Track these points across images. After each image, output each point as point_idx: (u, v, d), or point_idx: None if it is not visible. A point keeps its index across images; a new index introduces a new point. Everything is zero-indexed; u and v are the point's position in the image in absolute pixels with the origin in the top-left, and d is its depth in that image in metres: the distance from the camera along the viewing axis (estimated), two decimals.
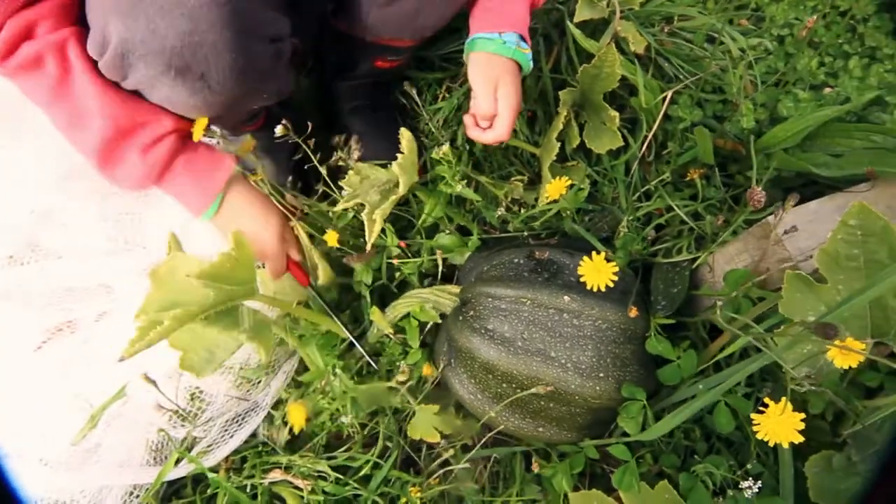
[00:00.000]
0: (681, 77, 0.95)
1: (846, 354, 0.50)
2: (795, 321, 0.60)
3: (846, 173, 0.71)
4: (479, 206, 0.93)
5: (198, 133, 0.77)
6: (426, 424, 0.82)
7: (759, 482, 0.59)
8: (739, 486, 0.59)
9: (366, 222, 0.80)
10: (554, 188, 0.79)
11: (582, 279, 0.67)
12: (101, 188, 0.96)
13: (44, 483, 0.79)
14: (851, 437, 0.63)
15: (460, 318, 0.80)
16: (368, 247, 0.82)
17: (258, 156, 0.91)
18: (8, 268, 0.93)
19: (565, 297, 0.76)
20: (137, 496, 0.80)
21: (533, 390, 0.73)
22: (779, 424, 0.51)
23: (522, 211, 0.94)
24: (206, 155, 0.77)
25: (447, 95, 1.07)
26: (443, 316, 0.86)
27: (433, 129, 1.02)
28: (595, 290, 0.66)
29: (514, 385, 0.76)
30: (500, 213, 0.93)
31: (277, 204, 0.82)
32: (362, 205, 0.81)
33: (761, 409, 0.52)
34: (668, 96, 0.86)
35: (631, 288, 0.81)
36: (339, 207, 0.84)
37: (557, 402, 0.76)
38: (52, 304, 0.91)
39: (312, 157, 0.80)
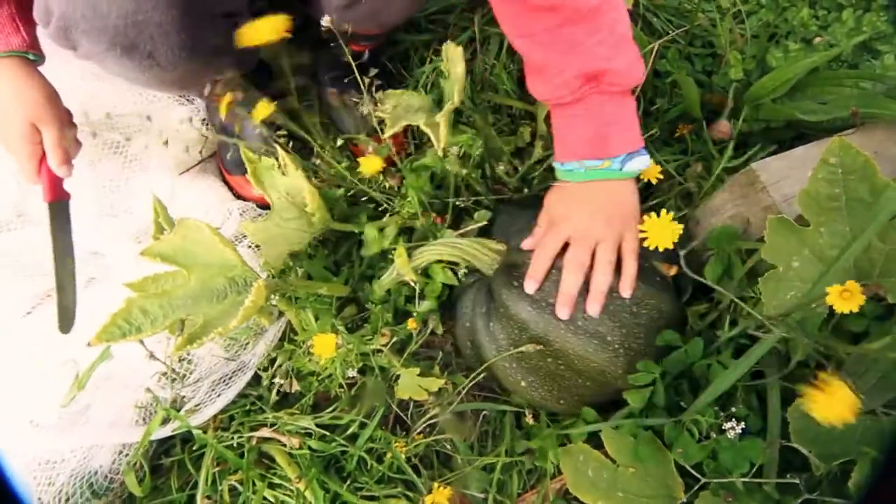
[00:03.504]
0: (669, 31, 0.94)
1: (846, 299, 0.49)
2: (779, 267, 0.59)
3: (832, 117, 0.69)
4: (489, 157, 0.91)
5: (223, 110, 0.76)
6: (412, 385, 0.82)
7: (742, 424, 0.59)
8: (723, 429, 0.59)
9: (429, 131, 0.78)
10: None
11: (643, 236, 0.66)
12: (88, 155, 0.96)
13: (34, 444, 0.80)
14: None
15: (515, 282, 0.74)
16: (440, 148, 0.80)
17: (241, 115, 0.91)
18: None
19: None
20: (126, 455, 0.80)
21: (578, 379, 0.72)
22: (835, 402, 0.49)
23: (519, 167, 0.93)
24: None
25: (434, 58, 1.06)
26: (474, 271, 0.81)
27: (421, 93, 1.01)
28: (660, 249, 0.65)
29: (559, 362, 0.73)
30: (500, 168, 0.91)
31: (49, 109, 0.75)
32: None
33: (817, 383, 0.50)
34: (656, 49, 0.85)
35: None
36: (388, 134, 0.81)
37: (594, 383, 0.74)
38: (41, 270, 0.91)
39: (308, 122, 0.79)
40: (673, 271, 0.71)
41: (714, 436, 0.61)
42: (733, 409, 0.62)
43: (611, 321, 0.71)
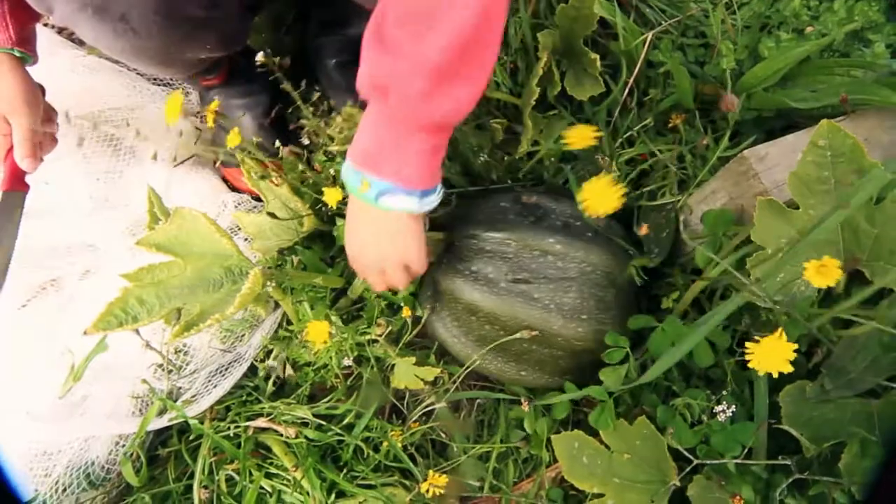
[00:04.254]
0: (662, 22, 0.94)
1: (823, 273, 0.50)
2: (768, 249, 0.60)
3: (823, 105, 0.70)
4: (465, 151, 0.92)
5: (172, 113, 0.77)
6: (408, 374, 0.82)
7: (734, 407, 0.59)
8: (714, 412, 0.60)
9: None
10: (576, 136, 0.73)
11: (583, 205, 0.65)
12: (84, 147, 0.96)
13: (31, 435, 0.81)
14: (826, 366, 0.63)
15: (445, 261, 0.80)
16: None
17: (233, 107, 0.91)
18: None
19: (550, 239, 0.76)
20: (123, 445, 0.81)
21: (518, 335, 0.74)
22: (770, 354, 0.51)
23: (506, 158, 0.94)
24: None
25: None
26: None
27: None
28: (596, 217, 0.64)
29: (497, 327, 0.76)
30: (482, 158, 0.92)
31: (23, 104, 0.76)
32: None
33: (755, 339, 0.51)
34: (649, 39, 0.85)
35: (616, 234, 0.81)
36: (334, 147, 0.82)
37: (540, 345, 0.77)
38: (37, 262, 0.91)
39: (297, 96, 0.79)
40: (644, 230, 0.73)
41: (705, 419, 0.62)
42: (724, 393, 0.62)
43: (535, 278, 0.74)
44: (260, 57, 0.77)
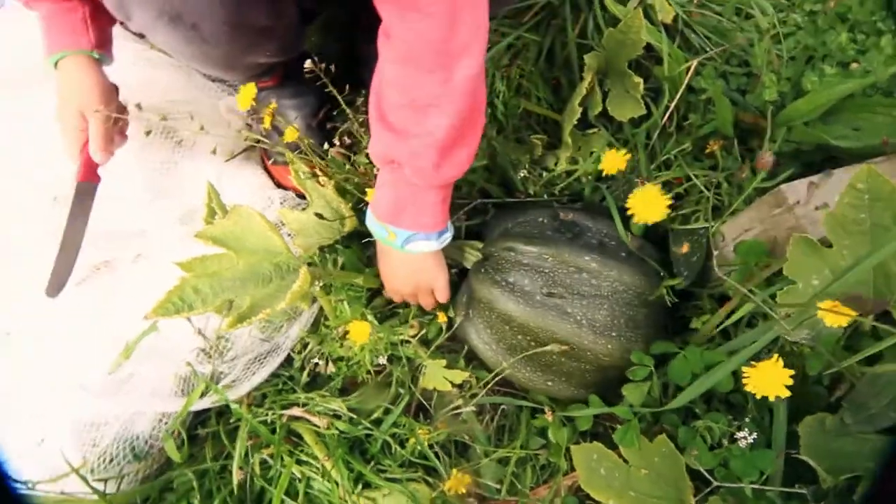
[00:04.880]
0: (707, 49, 0.96)
1: (836, 314, 0.52)
2: (799, 284, 0.62)
3: (863, 144, 0.71)
4: (504, 164, 0.95)
5: (244, 101, 0.82)
6: (437, 376, 0.86)
7: (754, 434, 0.61)
8: (734, 438, 0.62)
9: None
10: (609, 161, 0.78)
11: (629, 212, 0.69)
12: (140, 139, 1.01)
13: (82, 407, 0.86)
14: (847, 400, 0.65)
15: (482, 270, 0.83)
16: None
17: (285, 107, 0.95)
18: (52, 209, 0.99)
19: (586, 257, 0.79)
20: (166, 423, 0.85)
21: (549, 348, 0.77)
22: (768, 378, 0.54)
23: (544, 174, 0.96)
24: (68, 27, 0.80)
25: None
26: (464, 270, 0.89)
27: None
28: (643, 224, 0.68)
29: (528, 338, 0.79)
30: (522, 174, 0.95)
31: (99, 102, 0.83)
32: None
33: (752, 364, 0.54)
34: (692, 66, 0.87)
35: (648, 254, 0.83)
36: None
37: (569, 358, 0.80)
38: (93, 244, 0.96)
39: (340, 100, 0.83)
40: (684, 249, 0.77)
41: (725, 443, 0.64)
42: (746, 420, 0.64)
43: (569, 293, 0.77)
44: (308, 64, 0.81)
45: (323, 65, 0.83)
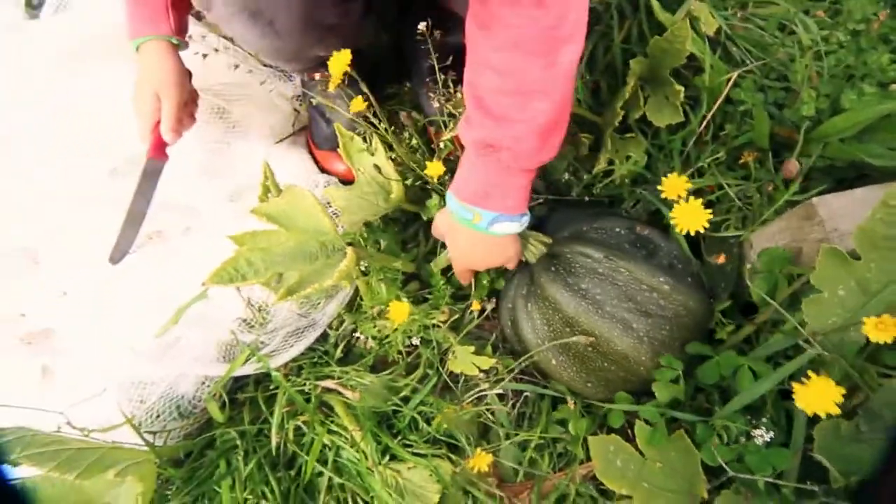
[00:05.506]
0: (747, 62, 0.98)
1: (881, 330, 0.55)
2: (825, 293, 0.65)
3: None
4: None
5: (336, 72, 0.85)
6: (466, 361, 0.90)
7: (771, 433, 0.64)
8: (751, 436, 0.65)
9: None
10: (671, 185, 0.77)
11: (673, 221, 0.71)
12: (199, 115, 1.07)
13: (131, 367, 0.92)
14: (863, 408, 0.67)
15: (552, 269, 0.84)
16: None
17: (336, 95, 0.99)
18: (111, 179, 1.05)
19: (661, 278, 0.80)
20: (208, 386, 0.91)
21: (580, 337, 0.79)
22: (817, 396, 0.56)
23: (585, 176, 1.00)
24: (151, 13, 0.86)
25: None
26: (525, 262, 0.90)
27: None
28: (686, 232, 0.70)
29: (590, 346, 0.81)
30: (566, 176, 0.98)
31: (173, 86, 0.88)
32: None
33: (803, 381, 0.57)
34: (733, 78, 0.90)
35: (698, 273, 0.86)
36: (446, 136, 0.90)
37: (619, 367, 0.82)
38: (148, 215, 1.02)
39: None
40: (721, 259, 0.78)
41: (742, 441, 0.67)
42: (763, 419, 0.67)
43: (638, 310, 0.79)
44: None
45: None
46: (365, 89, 0.86)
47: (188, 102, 0.92)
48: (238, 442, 0.84)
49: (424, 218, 0.99)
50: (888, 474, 0.50)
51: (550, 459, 0.92)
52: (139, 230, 0.92)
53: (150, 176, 0.92)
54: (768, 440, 0.65)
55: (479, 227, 0.77)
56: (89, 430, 0.77)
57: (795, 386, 0.57)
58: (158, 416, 0.86)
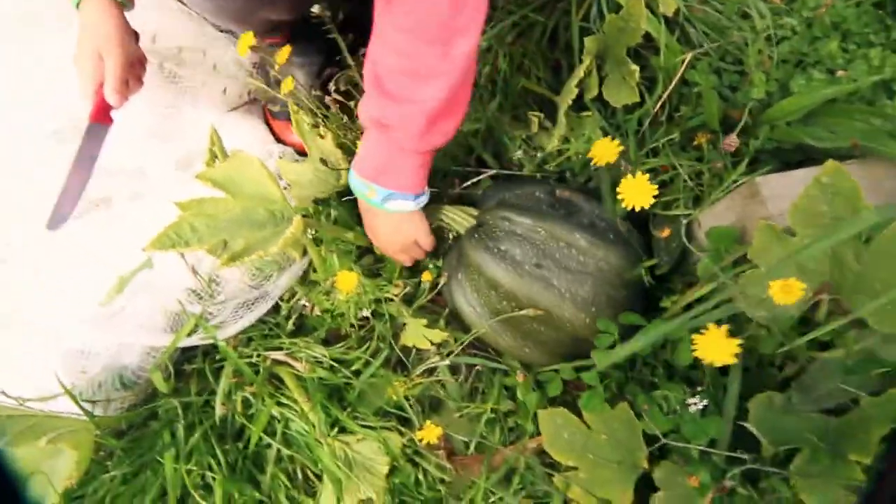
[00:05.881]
0: (704, 44, 0.99)
1: (786, 292, 0.57)
2: (762, 268, 0.66)
3: (838, 145, 0.75)
4: (499, 137, 0.98)
5: (243, 48, 0.84)
6: (417, 334, 0.90)
7: (705, 401, 0.66)
8: (687, 404, 0.67)
9: None
10: (599, 150, 0.81)
11: (619, 196, 0.72)
12: (148, 81, 1.03)
13: (73, 336, 0.89)
14: (796, 381, 0.70)
15: (475, 235, 0.86)
16: None
17: (291, 65, 0.97)
18: (53, 142, 1.01)
19: (577, 234, 0.83)
20: (154, 356, 0.89)
21: (527, 311, 0.81)
22: (716, 346, 0.58)
23: (538, 154, 1.00)
24: None
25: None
26: (457, 235, 0.92)
27: None
28: (632, 208, 0.71)
29: (513, 304, 0.83)
30: (518, 154, 0.98)
31: (117, 45, 0.84)
32: None
33: (701, 331, 0.59)
34: (687, 59, 0.91)
35: (632, 239, 0.87)
36: None
37: (548, 327, 0.84)
38: (95, 181, 0.98)
39: (343, 46, 0.85)
40: (665, 233, 0.79)
41: (678, 411, 0.69)
42: (699, 388, 0.69)
43: (557, 267, 0.81)
44: (316, 9, 0.84)
45: (328, 13, 0.86)
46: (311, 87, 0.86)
47: (134, 64, 0.88)
48: (180, 412, 0.82)
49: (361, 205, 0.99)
50: (887, 477, 0.51)
51: (501, 433, 0.93)
52: (80, 196, 0.88)
53: (93, 140, 0.88)
54: (702, 408, 0.67)
55: (374, 202, 0.81)
56: (24, 398, 0.75)
57: (695, 337, 0.58)
58: (100, 387, 0.84)
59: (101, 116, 0.89)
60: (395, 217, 0.84)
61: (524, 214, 0.84)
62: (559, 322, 0.83)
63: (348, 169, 0.91)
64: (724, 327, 0.56)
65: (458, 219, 0.91)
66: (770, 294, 0.57)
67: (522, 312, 0.80)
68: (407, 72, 0.71)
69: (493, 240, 0.84)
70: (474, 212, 0.91)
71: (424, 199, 0.84)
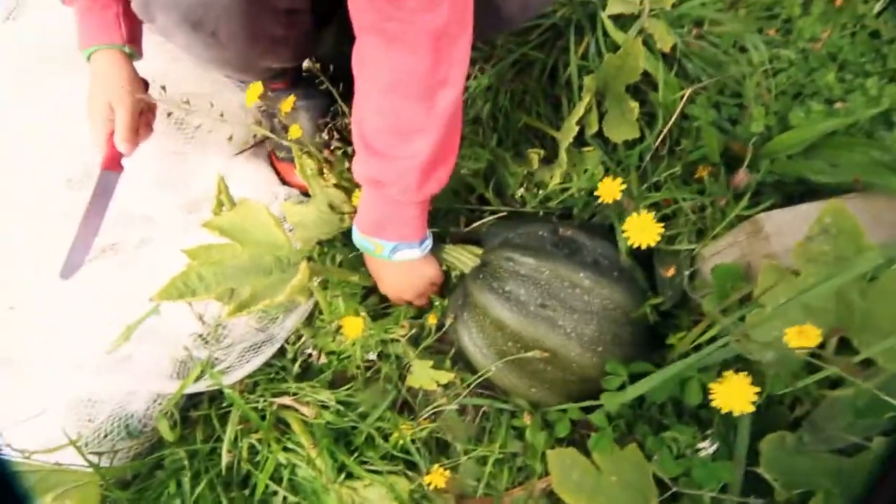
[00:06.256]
0: (702, 79, 1.00)
1: (801, 336, 0.56)
2: (768, 308, 0.66)
3: (840, 181, 0.75)
4: (501, 174, 0.99)
5: (251, 98, 0.86)
6: (424, 375, 0.89)
7: (716, 445, 0.65)
8: (697, 449, 0.66)
9: None
10: (605, 189, 0.80)
11: (625, 234, 0.72)
12: (156, 126, 1.05)
13: (79, 384, 0.89)
14: (806, 421, 0.69)
15: (481, 276, 0.86)
16: None
17: (295, 111, 0.99)
18: (66, 190, 1.02)
19: (581, 274, 0.82)
20: (160, 403, 0.89)
21: (533, 353, 0.80)
22: (734, 394, 0.57)
23: (540, 191, 1.00)
24: (102, 23, 0.86)
25: (479, 75, 1.13)
26: (461, 274, 0.93)
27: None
28: (638, 246, 0.71)
29: (518, 345, 0.82)
30: (521, 192, 0.99)
31: (127, 94, 0.87)
32: None
33: (720, 380, 0.58)
34: (687, 94, 0.92)
35: (637, 275, 0.87)
36: None
37: (555, 367, 0.83)
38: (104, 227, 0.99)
39: (337, 95, 0.87)
40: (670, 272, 0.79)
41: (688, 454, 0.68)
42: (708, 432, 0.68)
43: (562, 307, 0.81)
44: (306, 64, 0.86)
45: (318, 65, 0.88)
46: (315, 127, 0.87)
47: (144, 112, 0.91)
48: (186, 462, 0.81)
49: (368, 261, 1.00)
50: (882, 485, 0.50)
51: (510, 474, 0.91)
52: (92, 244, 0.89)
53: (104, 188, 0.90)
54: (713, 452, 0.66)
55: (383, 256, 0.83)
56: (30, 451, 0.75)
57: (713, 385, 0.58)
58: (106, 436, 0.84)
59: (113, 164, 0.91)
60: (405, 266, 0.85)
61: (528, 254, 0.84)
62: (565, 362, 0.82)
63: (352, 212, 0.93)
64: (742, 375, 0.55)
65: (463, 258, 0.92)
66: (786, 340, 0.56)
67: (528, 354, 0.80)
68: (392, 131, 0.71)
69: (497, 280, 0.84)
70: (478, 251, 0.91)
71: (429, 244, 0.85)
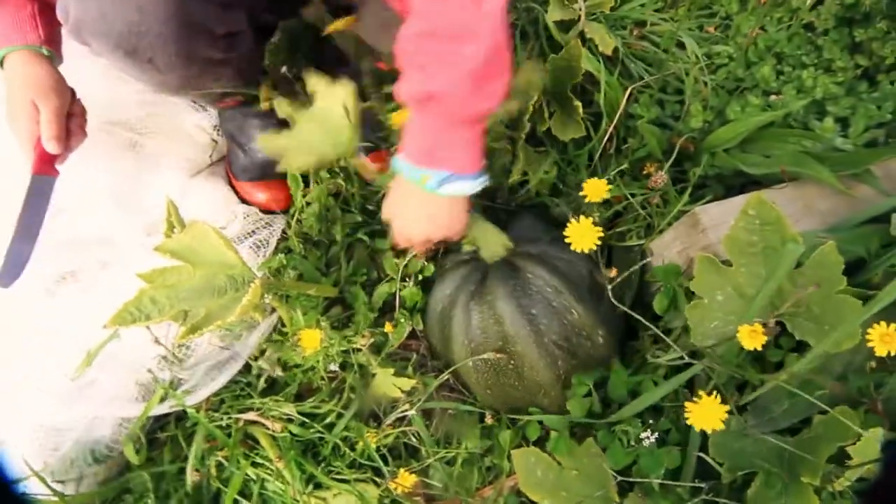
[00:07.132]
0: (644, 77, 1.03)
1: (753, 336, 0.59)
2: (705, 299, 0.68)
3: (772, 171, 0.78)
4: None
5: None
6: (387, 383, 0.91)
7: (657, 434, 0.67)
8: (640, 438, 0.68)
9: None
10: (592, 189, 0.82)
11: (567, 240, 0.72)
12: (108, 151, 1.05)
13: (44, 412, 0.89)
14: (752, 405, 0.71)
15: (511, 283, 0.83)
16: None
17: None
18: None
19: (600, 331, 0.83)
20: (126, 427, 0.89)
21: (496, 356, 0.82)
22: (706, 413, 0.60)
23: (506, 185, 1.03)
24: (15, 22, 0.80)
25: None
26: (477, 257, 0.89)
27: None
28: (584, 251, 0.72)
29: (513, 364, 0.83)
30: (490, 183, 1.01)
31: (51, 92, 0.81)
32: None
33: (695, 399, 0.61)
34: (629, 93, 0.94)
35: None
36: None
37: (526, 392, 0.85)
38: (60, 253, 1.00)
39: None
40: (613, 273, 0.82)
41: (635, 445, 0.70)
42: (651, 422, 0.71)
43: (568, 350, 0.82)
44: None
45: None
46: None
47: (74, 114, 0.85)
48: (149, 485, 0.82)
49: (343, 239, 1.01)
50: (882, 486, 0.52)
51: (479, 474, 0.93)
52: (31, 251, 0.83)
53: (39, 193, 0.83)
54: (654, 441, 0.68)
55: (429, 187, 0.73)
56: None
57: (688, 405, 0.60)
58: (72, 463, 0.84)
59: (45, 168, 0.84)
60: (445, 202, 0.76)
61: (568, 289, 0.82)
62: (540, 395, 0.85)
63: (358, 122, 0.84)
64: (714, 395, 0.58)
65: (491, 241, 0.87)
66: (739, 339, 0.59)
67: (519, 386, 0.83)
68: (437, 35, 0.65)
69: (528, 298, 0.82)
70: (511, 245, 0.87)
71: (485, 181, 0.76)
